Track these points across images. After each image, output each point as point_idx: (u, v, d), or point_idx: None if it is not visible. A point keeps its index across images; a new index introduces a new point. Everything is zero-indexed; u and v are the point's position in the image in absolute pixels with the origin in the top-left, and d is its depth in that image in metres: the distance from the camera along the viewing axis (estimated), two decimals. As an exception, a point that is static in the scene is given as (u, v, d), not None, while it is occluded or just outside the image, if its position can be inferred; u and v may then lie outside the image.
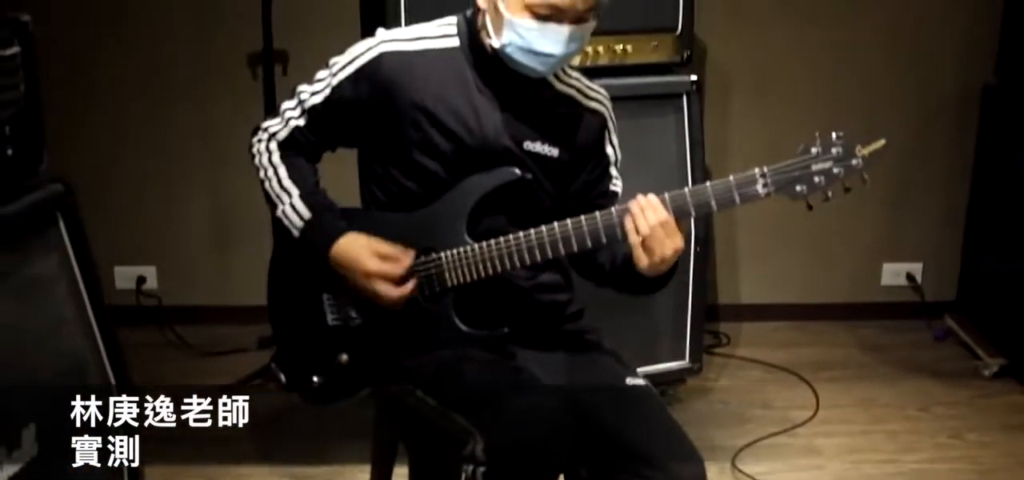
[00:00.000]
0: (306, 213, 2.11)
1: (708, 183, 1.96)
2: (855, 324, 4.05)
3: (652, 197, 1.94)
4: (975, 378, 3.63)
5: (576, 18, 1.96)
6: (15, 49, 1.99)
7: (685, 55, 3.21)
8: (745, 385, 3.61)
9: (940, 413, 3.41)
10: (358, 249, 2.07)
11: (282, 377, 2.22)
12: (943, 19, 3.85)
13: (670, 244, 1.93)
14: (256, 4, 3.45)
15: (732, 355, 3.82)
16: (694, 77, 3.20)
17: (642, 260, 1.94)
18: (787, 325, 4.05)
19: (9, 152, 2.01)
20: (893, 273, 4.09)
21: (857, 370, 3.72)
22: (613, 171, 2.21)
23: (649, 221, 1.91)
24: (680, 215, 1.95)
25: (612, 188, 2.19)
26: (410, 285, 2.07)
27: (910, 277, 4.08)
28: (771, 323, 4.05)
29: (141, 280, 3.98)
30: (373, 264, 2.06)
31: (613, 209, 1.98)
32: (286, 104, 2.18)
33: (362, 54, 2.09)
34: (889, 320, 4.06)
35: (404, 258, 2.06)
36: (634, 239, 1.93)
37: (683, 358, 3.33)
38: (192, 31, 3.80)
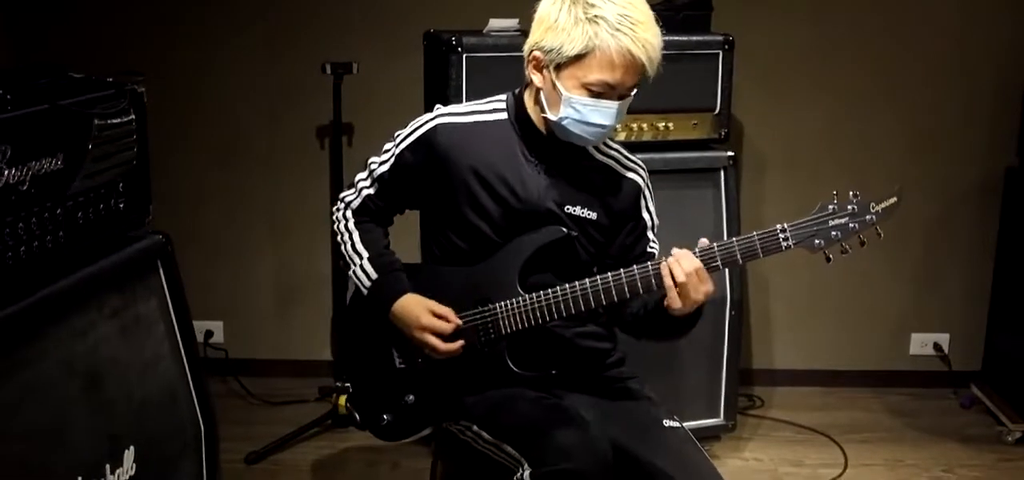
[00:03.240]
0: (374, 274, 2.38)
1: (734, 239, 2.19)
2: (884, 391, 4.21)
3: (685, 250, 2.17)
4: (999, 443, 3.78)
5: (622, 94, 2.21)
6: (130, 116, 2.27)
7: (723, 133, 3.44)
8: (777, 444, 3.78)
9: (964, 474, 3.57)
10: (415, 307, 2.33)
11: (357, 416, 2.47)
12: (968, 104, 4.04)
13: (702, 289, 2.16)
14: (327, 81, 3.75)
15: (765, 416, 4.00)
16: (731, 153, 3.43)
17: (675, 303, 2.17)
18: (819, 390, 4.22)
19: (121, 206, 2.28)
20: (921, 343, 4.25)
21: (885, 433, 3.88)
22: (650, 235, 2.44)
23: (685, 268, 2.14)
24: (709, 267, 2.18)
25: (650, 249, 2.43)
26: (458, 343, 2.31)
27: (937, 347, 4.24)
28: (803, 388, 4.22)
29: (209, 334, 4.22)
30: (426, 319, 2.31)
31: (649, 264, 2.21)
32: (359, 176, 2.47)
33: (421, 125, 2.37)
34: (917, 388, 4.21)
35: (453, 319, 2.31)
36: (669, 285, 2.16)
37: (718, 415, 3.54)
38: (266, 104, 4.09)
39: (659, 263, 2.19)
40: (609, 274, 2.23)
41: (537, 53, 2.25)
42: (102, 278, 2.18)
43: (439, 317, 2.32)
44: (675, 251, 2.18)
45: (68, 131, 2.07)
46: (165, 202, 4.04)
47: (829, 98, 4.05)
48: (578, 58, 2.18)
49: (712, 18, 3.56)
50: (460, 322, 2.32)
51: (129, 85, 2.28)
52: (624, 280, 2.21)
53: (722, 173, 3.44)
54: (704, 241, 2.21)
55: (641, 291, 2.22)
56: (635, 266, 2.22)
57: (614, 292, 2.23)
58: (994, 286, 4.15)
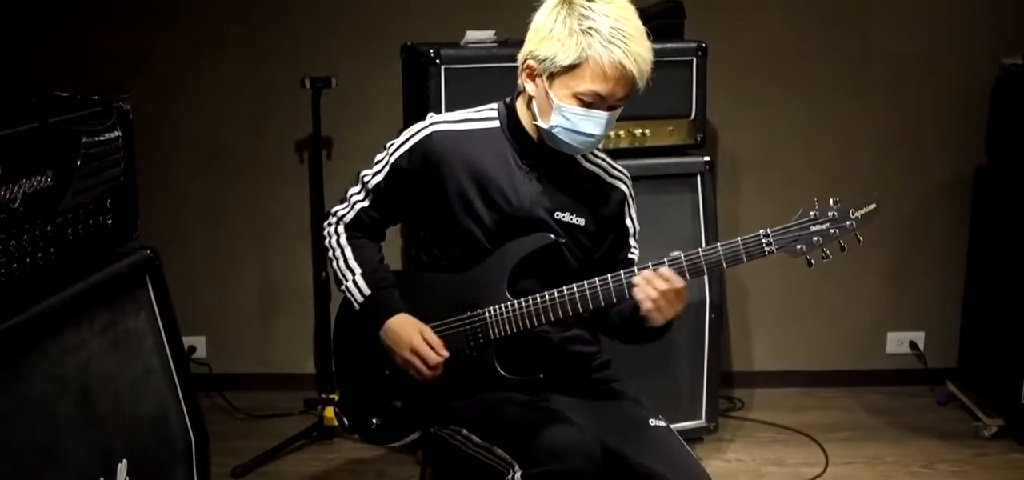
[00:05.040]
0: (367, 290, 2.40)
1: (719, 244, 2.23)
2: (862, 389, 4.27)
3: (663, 268, 2.22)
4: (975, 438, 3.85)
5: (612, 105, 2.26)
6: (116, 133, 2.29)
7: (698, 138, 3.50)
8: (759, 445, 3.83)
9: (943, 470, 3.63)
10: (408, 328, 2.36)
11: (345, 420, 2.49)
12: (937, 104, 4.12)
13: (679, 304, 2.24)
14: (306, 95, 3.78)
15: (746, 418, 4.05)
16: (707, 158, 3.49)
17: (655, 320, 2.24)
18: (798, 391, 4.28)
19: (109, 221, 2.30)
20: (897, 341, 4.31)
21: (864, 431, 3.94)
22: (631, 241, 2.49)
23: (659, 288, 2.20)
24: (693, 274, 2.23)
25: (630, 256, 2.48)
26: (438, 372, 2.35)
27: (913, 345, 4.30)
28: (783, 389, 4.28)
29: (191, 349, 4.23)
30: (417, 342, 2.34)
31: (622, 273, 2.26)
32: (351, 189, 2.48)
33: (416, 132, 2.40)
34: (894, 386, 4.28)
35: (442, 352, 2.35)
36: (648, 305, 2.22)
37: (700, 417, 3.59)
38: (246, 118, 4.11)
39: (631, 275, 2.25)
40: (596, 280, 2.27)
41: (531, 62, 2.29)
42: (92, 294, 2.20)
43: (429, 343, 2.35)
44: (649, 271, 2.23)
45: (57, 149, 2.09)
46: (145, 217, 4.09)
47: (801, 101, 4.12)
48: (571, 68, 2.22)
49: (685, 26, 3.62)
50: (446, 355, 2.35)
51: (115, 102, 2.30)
52: (599, 288, 2.27)
53: (699, 177, 3.49)
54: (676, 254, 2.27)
55: (615, 299, 2.27)
56: (609, 275, 2.27)
57: (590, 300, 2.28)
58: (967, 283, 4.22)
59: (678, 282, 2.21)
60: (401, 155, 2.40)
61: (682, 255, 2.23)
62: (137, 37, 4.03)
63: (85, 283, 2.17)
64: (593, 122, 2.26)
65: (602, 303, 2.28)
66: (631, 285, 2.24)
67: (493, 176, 2.36)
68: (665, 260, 2.24)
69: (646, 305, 2.22)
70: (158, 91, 3.99)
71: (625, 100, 2.28)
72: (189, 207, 4.18)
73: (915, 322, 4.31)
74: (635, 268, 2.27)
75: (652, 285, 2.21)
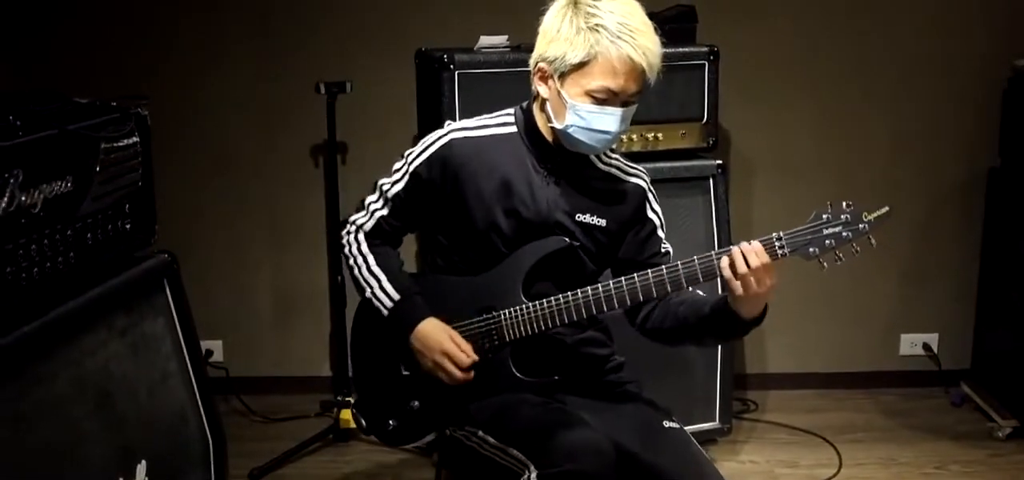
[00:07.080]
0: (395, 296, 2.42)
1: (731, 247, 2.24)
2: (876, 391, 4.27)
3: (755, 243, 2.18)
4: (990, 440, 3.85)
5: (625, 101, 2.28)
6: (135, 139, 2.33)
7: (710, 141, 3.52)
8: (773, 446, 3.84)
9: (957, 471, 3.63)
10: (438, 332, 2.38)
11: (362, 421, 2.52)
12: (950, 106, 4.12)
13: (767, 282, 2.19)
14: (321, 100, 3.80)
15: (760, 419, 4.06)
16: (720, 161, 3.51)
17: (738, 291, 2.19)
18: (812, 393, 4.28)
19: (128, 226, 2.33)
20: (911, 343, 4.31)
21: (878, 433, 3.94)
22: (660, 234, 2.49)
23: (752, 263, 2.17)
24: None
25: (664, 249, 2.48)
26: (470, 375, 2.36)
27: (927, 347, 4.30)
28: (797, 391, 4.28)
29: (209, 353, 4.26)
30: (449, 345, 2.36)
31: (635, 275, 2.27)
32: (370, 198, 2.51)
33: (434, 141, 2.42)
34: (908, 387, 4.28)
35: (471, 354, 2.36)
36: (730, 277, 2.18)
37: (714, 419, 3.60)
38: (262, 124, 4.14)
39: (644, 278, 2.26)
40: (611, 283, 2.29)
41: (542, 64, 2.32)
42: (111, 298, 2.23)
43: (459, 345, 2.37)
44: (741, 246, 2.19)
45: (76, 155, 2.12)
46: (163, 222, 4.11)
47: (814, 103, 4.13)
48: (581, 66, 2.25)
49: (697, 30, 3.64)
50: (476, 358, 2.37)
51: (133, 109, 2.34)
52: (614, 291, 2.28)
53: (711, 181, 3.51)
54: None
55: (630, 302, 2.28)
56: (623, 278, 2.28)
57: (604, 302, 2.29)
58: (980, 285, 4.22)
59: (766, 258, 2.17)
60: (420, 164, 2.42)
61: (696, 259, 2.24)
62: (153, 44, 4.07)
63: (104, 287, 2.20)
64: (607, 119, 2.28)
65: (616, 305, 2.30)
66: (720, 264, 2.20)
67: (512, 182, 2.39)
68: (679, 263, 2.26)
69: (730, 280, 2.18)
70: (175, 97, 4.03)
71: (639, 96, 2.30)
72: (206, 212, 4.21)
73: (929, 324, 4.31)
74: (649, 271, 2.28)
75: (743, 259, 2.16)
